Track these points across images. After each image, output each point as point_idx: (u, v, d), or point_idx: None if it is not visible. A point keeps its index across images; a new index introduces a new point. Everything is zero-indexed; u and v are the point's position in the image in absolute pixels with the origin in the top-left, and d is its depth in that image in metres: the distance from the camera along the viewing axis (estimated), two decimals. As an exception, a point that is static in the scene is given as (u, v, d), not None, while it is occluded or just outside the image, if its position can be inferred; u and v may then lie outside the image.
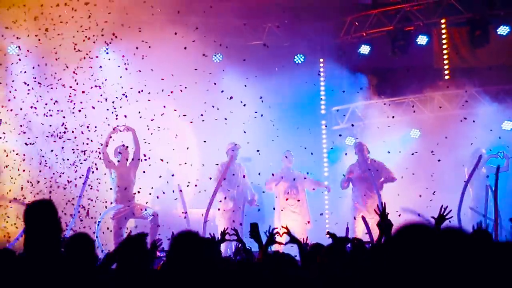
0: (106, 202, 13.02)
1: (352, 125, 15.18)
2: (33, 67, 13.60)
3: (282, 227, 6.46)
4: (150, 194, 13.43)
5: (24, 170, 13.34)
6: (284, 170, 13.90)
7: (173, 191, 12.97)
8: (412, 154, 13.57)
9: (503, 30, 14.50)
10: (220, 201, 13.58)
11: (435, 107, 14.73)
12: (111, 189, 12.83)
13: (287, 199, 13.75)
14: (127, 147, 12.78)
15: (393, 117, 14.59)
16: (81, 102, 13.41)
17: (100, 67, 13.73)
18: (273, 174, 13.89)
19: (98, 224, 12.19)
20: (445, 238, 2.96)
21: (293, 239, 5.97)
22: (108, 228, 12.70)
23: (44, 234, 4.06)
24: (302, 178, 13.86)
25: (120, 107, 13.35)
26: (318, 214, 14.10)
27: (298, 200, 13.73)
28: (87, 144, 13.28)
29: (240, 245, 7.08)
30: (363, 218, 11.29)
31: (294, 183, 13.80)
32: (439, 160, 13.12)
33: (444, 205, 5.84)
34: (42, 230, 4.07)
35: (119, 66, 13.71)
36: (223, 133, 13.58)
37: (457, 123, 13.69)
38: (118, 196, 12.72)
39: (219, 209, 13.66)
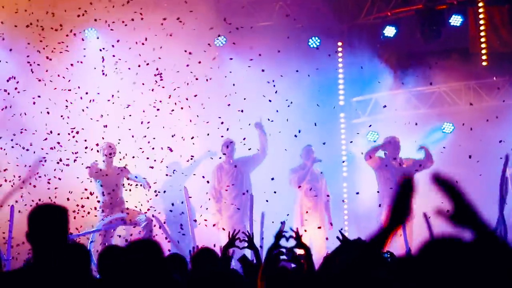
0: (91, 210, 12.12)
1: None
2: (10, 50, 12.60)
3: (291, 230, 5.82)
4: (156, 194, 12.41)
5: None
6: (302, 167, 13.13)
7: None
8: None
9: (551, 8, 13.62)
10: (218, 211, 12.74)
11: (471, 98, 13.80)
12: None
13: (306, 201, 13.08)
14: (113, 146, 11.98)
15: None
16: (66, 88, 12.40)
17: (84, 55, 12.87)
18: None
19: (91, 242, 11.37)
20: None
21: (299, 244, 5.60)
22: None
23: (52, 242, 3.93)
24: (322, 177, 13.20)
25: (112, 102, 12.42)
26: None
27: (316, 196, 13.04)
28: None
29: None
30: (425, 215, 10.04)
31: (314, 183, 13.04)
32: (470, 156, 12.18)
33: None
34: (50, 237, 3.93)
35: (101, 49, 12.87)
36: (225, 127, 12.61)
37: (496, 116, 12.81)
38: (105, 201, 11.87)
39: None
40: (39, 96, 12.30)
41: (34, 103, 12.24)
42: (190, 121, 12.75)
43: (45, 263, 3.92)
